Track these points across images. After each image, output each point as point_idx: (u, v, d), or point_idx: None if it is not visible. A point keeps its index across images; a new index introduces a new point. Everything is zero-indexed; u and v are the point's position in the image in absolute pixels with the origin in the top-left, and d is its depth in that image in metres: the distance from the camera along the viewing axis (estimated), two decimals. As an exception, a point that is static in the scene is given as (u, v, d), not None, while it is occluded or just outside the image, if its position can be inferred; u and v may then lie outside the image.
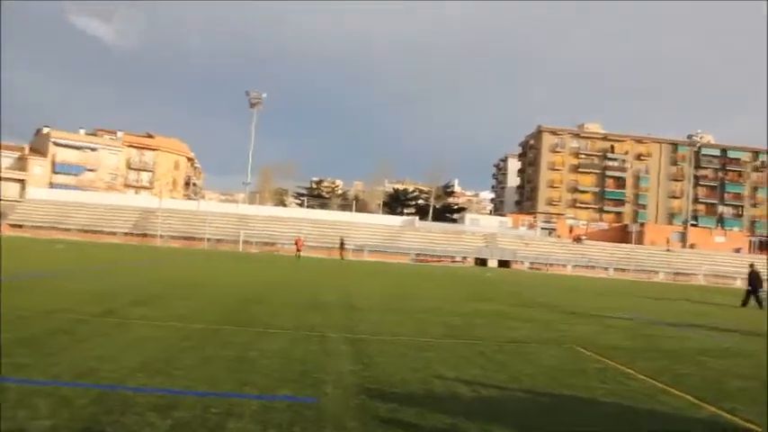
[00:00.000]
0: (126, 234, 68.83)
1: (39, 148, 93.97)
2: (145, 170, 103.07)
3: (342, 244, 58.11)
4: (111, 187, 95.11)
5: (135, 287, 15.70)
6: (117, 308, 11.43)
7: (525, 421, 5.52)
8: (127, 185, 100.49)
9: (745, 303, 26.90)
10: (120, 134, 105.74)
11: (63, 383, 5.71)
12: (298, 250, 49.65)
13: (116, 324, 9.45)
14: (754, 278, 27.84)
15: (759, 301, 26.80)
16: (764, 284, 28.55)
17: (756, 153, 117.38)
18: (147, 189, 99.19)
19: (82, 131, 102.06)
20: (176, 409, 5.15)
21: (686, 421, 6.03)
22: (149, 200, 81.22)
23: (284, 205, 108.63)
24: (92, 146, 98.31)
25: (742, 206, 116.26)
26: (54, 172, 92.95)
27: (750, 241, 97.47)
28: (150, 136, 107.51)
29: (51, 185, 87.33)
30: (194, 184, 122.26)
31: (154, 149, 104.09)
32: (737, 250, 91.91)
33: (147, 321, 9.99)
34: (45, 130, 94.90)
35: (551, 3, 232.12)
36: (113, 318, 10.13)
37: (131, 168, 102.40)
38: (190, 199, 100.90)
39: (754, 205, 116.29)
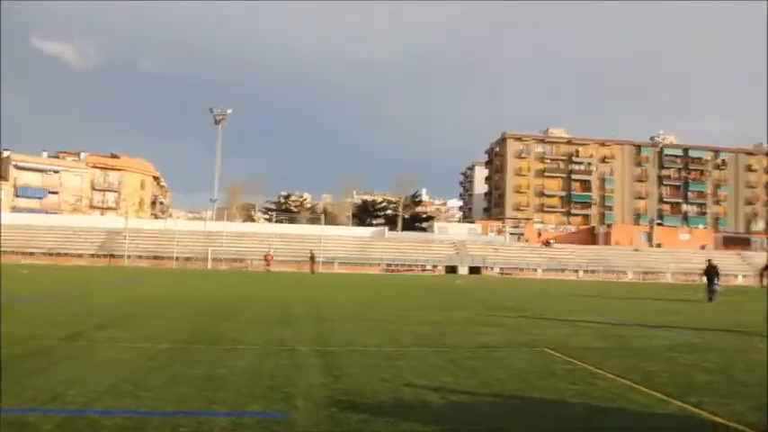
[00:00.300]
0: (93, 256, 67.91)
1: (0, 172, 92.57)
2: (110, 191, 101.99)
3: (312, 257, 57.15)
4: (76, 209, 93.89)
5: (102, 309, 15.50)
6: (84, 330, 11.28)
7: (495, 425, 5.56)
8: (92, 207, 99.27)
9: (710, 297, 27.79)
10: (83, 155, 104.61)
11: (28, 410, 5.61)
12: (267, 265, 49.21)
13: (83, 347, 9.33)
14: (711, 271, 28.97)
15: (711, 294, 28.05)
16: (719, 278, 29.51)
17: (717, 152, 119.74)
18: (112, 210, 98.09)
19: (44, 154, 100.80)
20: (144, 430, 5.11)
21: (653, 417, 6.11)
22: (115, 220, 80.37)
23: (253, 221, 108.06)
24: (54, 168, 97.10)
25: (705, 204, 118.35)
26: (16, 195, 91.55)
27: (715, 238, 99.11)
28: (115, 156, 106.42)
29: (14, 209, 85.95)
30: (161, 203, 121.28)
31: (119, 170, 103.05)
32: (703, 247, 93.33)
33: (114, 343, 9.88)
34: (5, 154, 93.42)
35: (514, 8, 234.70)
36: (80, 341, 9.99)
37: (96, 189, 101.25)
38: (157, 218, 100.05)
39: (717, 202, 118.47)
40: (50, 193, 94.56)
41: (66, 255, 66.31)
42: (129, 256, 67.17)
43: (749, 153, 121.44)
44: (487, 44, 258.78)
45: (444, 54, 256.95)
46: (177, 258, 67.69)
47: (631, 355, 10.13)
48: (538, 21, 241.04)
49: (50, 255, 65.35)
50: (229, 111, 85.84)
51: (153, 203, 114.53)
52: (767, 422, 5.96)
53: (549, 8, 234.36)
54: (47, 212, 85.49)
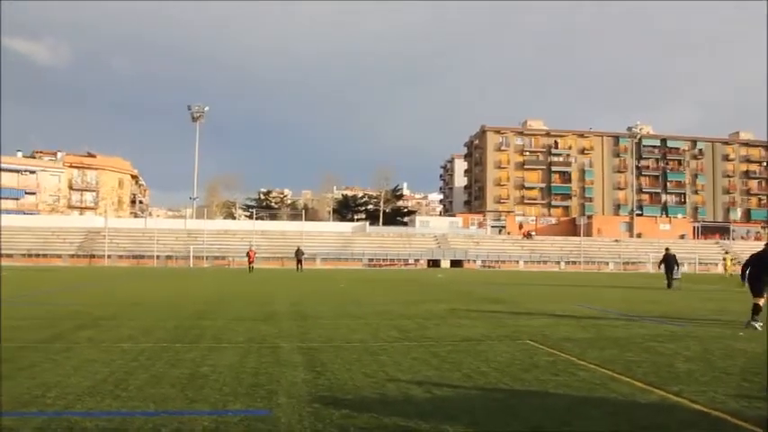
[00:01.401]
0: (72, 256, 67.45)
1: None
2: (88, 190, 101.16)
3: (299, 254, 53.35)
4: (54, 209, 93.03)
5: (82, 310, 15.36)
6: (63, 332, 11.15)
7: (477, 418, 5.57)
8: (70, 207, 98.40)
9: (670, 285, 29.76)
10: (60, 155, 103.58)
11: (5, 414, 5.54)
12: (250, 262, 48.45)
13: (63, 349, 9.23)
14: (670, 260, 30.72)
15: (670, 282, 29.99)
16: (678, 267, 31.71)
17: (694, 142, 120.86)
18: (91, 209, 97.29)
19: (19, 154, 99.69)
20: (125, 431, 5.06)
21: (635, 406, 6.14)
22: (94, 220, 79.80)
23: (233, 218, 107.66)
24: (30, 168, 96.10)
25: (684, 193, 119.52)
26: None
27: (694, 227, 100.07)
28: (92, 155, 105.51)
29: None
30: (140, 202, 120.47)
31: (96, 169, 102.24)
32: (682, 236, 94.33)
33: (94, 344, 9.79)
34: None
35: (492, 3, 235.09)
36: (60, 343, 9.89)
37: (74, 189, 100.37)
38: (136, 217, 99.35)
39: (696, 192, 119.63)
40: (27, 193, 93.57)
41: (45, 256, 65.78)
42: (109, 256, 66.75)
43: (725, 142, 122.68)
44: (467, 39, 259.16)
45: (424, 49, 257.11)
46: (158, 257, 67.39)
47: (613, 345, 10.19)
48: (515, 14, 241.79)
49: (29, 256, 64.77)
50: (207, 108, 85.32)
51: (132, 202, 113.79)
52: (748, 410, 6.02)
53: (526, 3, 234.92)
54: (24, 213, 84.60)
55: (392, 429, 5.19)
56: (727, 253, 63.10)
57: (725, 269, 59.17)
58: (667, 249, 32.38)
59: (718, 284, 36.17)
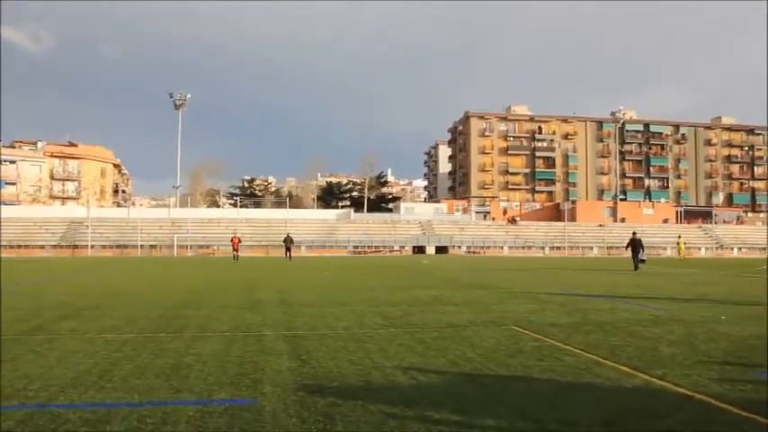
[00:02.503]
0: (55, 246, 66.95)
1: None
2: (70, 180, 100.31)
3: (288, 242, 50.45)
4: (35, 199, 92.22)
5: (65, 300, 15.25)
6: (46, 323, 11.06)
7: (463, 404, 5.57)
8: (52, 197, 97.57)
9: (636, 267, 31.63)
10: (40, 144, 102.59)
11: (-13, 407, 5.49)
12: (235, 250, 47.75)
13: (45, 340, 9.14)
14: (636, 244, 32.60)
15: (636, 264, 31.84)
16: (643, 250, 33.45)
17: (677, 127, 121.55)
18: (73, 199, 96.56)
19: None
20: (109, 423, 5.02)
21: (620, 391, 6.18)
22: (77, 210, 79.18)
23: (217, 206, 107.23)
24: (11, 158, 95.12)
25: (667, 178, 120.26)
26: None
27: (677, 211, 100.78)
28: (73, 144, 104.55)
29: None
30: (123, 191, 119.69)
31: (78, 158, 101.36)
32: (665, 221, 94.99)
33: (77, 335, 9.71)
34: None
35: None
36: (42, 334, 9.80)
37: (55, 179, 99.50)
38: (119, 206, 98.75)
39: (678, 177, 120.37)
40: (8, 183, 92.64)
41: (27, 247, 65.22)
42: (92, 246, 66.31)
43: (708, 127, 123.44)
44: (451, 26, 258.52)
45: (408, 36, 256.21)
46: (142, 247, 67.02)
47: (597, 330, 10.24)
48: (499, 1, 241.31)
49: (11, 247, 64.15)
50: (189, 95, 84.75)
51: (115, 191, 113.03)
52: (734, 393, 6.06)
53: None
54: (5, 204, 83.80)
55: (378, 417, 5.19)
56: (680, 237, 64.10)
57: (678, 252, 60.30)
58: (634, 234, 34.18)
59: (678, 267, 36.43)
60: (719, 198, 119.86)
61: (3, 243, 64.25)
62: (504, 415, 5.26)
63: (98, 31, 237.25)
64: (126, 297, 16.52)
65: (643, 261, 32.85)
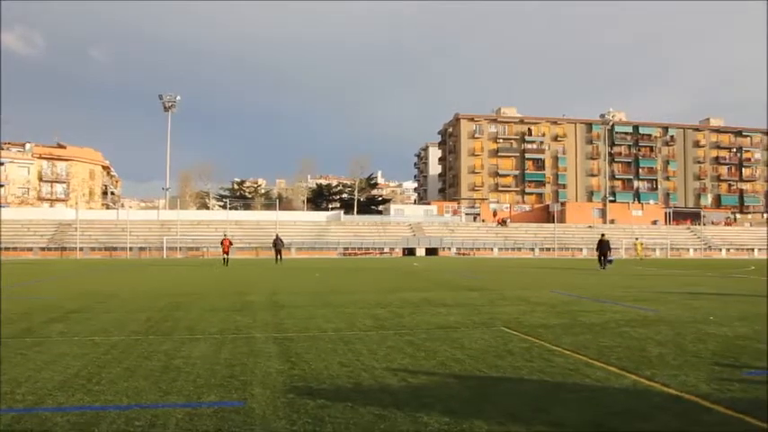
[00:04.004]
0: (43, 249, 66.63)
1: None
2: (58, 182, 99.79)
3: (277, 243, 47.31)
4: (23, 201, 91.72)
5: (53, 303, 15.15)
6: (34, 326, 10.99)
7: (453, 406, 5.57)
8: (40, 199, 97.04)
9: (603, 266, 35.19)
10: (28, 146, 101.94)
11: (-26, 410, 5.45)
12: (225, 252, 43.25)
13: (33, 344, 9.08)
14: (604, 245, 35.89)
15: (603, 264, 35.44)
16: (611, 251, 37.63)
17: (666, 128, 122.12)
18: (62, 201, 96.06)
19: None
20: (97, 426, 4.99)
21: (609, 391, 6.19)
22: (66, 212, 78.77)
23: (207, 208, 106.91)
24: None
25: (656, 180, 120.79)
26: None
27: (665, 213, 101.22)
28: (62, 146, 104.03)
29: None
30: (112, 193, 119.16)
31: (66, 160, 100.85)
32: (654, 222, 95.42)
33: (66, 338, 9.66)
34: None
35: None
36: (31, 337, 9.74)
37: (44, 181, 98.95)
38: (109, 208, 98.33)
39: (667, 178, 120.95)
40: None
41: (15, 249, 64.83)
42: (81, 249, 66.02)
43: (696, 129, 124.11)
44: (443, 28, 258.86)
45: (401, 38, 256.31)
46: (131, 249, 66.79)
47: (587, 331, 10.27)
48: (490, 3, 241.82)
49: (-1, 249, 63.77)
50: (178, 97, 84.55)
51: (104, 194, 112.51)
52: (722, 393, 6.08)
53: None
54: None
55: (367, 418, 5.19)
56: (637, 239, 65.58)
57: (637, 253, 61.94)
58: (602, 235, 37.34)
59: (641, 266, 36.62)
60: (708, 199, 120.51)
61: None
62: (494, 416, 5.26)
63: (88, 35, 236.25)
64: (115, 299, 16.44)
65: (610, 261, 36.68)
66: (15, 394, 6.04)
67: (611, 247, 37.00)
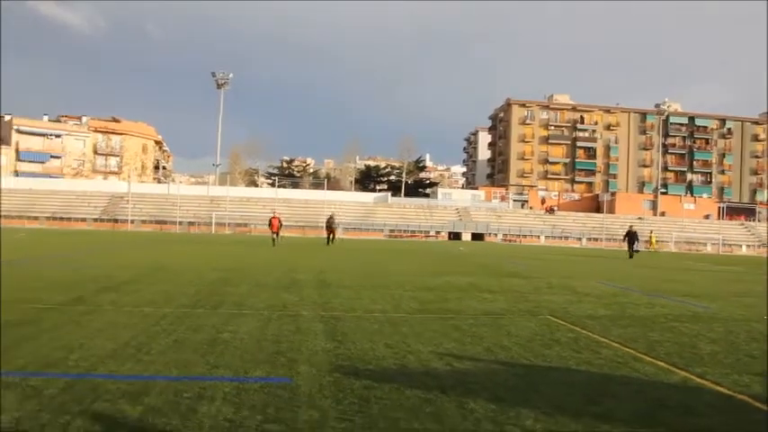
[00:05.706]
0: (96, 220, 68.14)
1: (1, 137, 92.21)
2: (112, 155, 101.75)
3: (331, 223, 43.26)
4: (78, 173, 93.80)
5: (105, 273, 15.47)
6: (86, 295, 11.22)
7: (499, 393, 5.52)
8: (95, 171, 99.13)
9: (631, 256, 37.67)
10: (85, 119, 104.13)
11: (30, 374, 5.58)
12: (274, 232, 38.91)
13: (85, 312, 9.28)
14: (632, 236, 38.67)
15: (631, 253, 38.01)
16: (638, 241, 41.06)
17: (723, 121, 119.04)
18: (115, 174, 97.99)
19: (45, 118, 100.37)
20: (147, 395, 5.06)
21: (659, 386, 6.07)
22: (118, 185, 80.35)
23: (256, 186, 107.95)
24: (56, 132, 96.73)
25: (710, 173, 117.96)
26: (18, 159, 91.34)
27: (719, 207, 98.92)
28: (116, 120, 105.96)
29: (17, 173, 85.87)
30: (164, 168, 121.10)
31: (121, 134, 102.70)
32: (707, 217, 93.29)
33: (117, 307, 9.84)
34: (6, 118, 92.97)
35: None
36: (82, 305, 9.95)
37: (98, 154, 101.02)
38: (160, 183, 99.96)
39: (722, 172, 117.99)
40: (52, 157, 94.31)
41: (69, 219, 66.49)
42: (132, 221, 67.35)
43: (756, 122, 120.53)
44: (495, 11, 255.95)
45: (451, 20, 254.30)
46: (180, 223, 67.85)
47: (635, 324, 10.08)
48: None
49: (54, 219, 65.52)
50: (231, 75, 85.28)
51: (155, 168, 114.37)
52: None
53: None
54: (49, 177, 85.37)
55: (413, 401, 5.16)
56: (651, 232, 64.31)
57: (651, 245, 61.15)
58: (631, 226, 41.24)
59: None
60: (764, 195, 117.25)
61: (45, 215, 65.59)
62: (541, 406, 5.19)
63: (145, 12, 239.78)
64: (164, 272, 16.71)
65: (637, 251, 39.81)
66: (68, 360, 6.17)
67: (638, 239, 40.19)
